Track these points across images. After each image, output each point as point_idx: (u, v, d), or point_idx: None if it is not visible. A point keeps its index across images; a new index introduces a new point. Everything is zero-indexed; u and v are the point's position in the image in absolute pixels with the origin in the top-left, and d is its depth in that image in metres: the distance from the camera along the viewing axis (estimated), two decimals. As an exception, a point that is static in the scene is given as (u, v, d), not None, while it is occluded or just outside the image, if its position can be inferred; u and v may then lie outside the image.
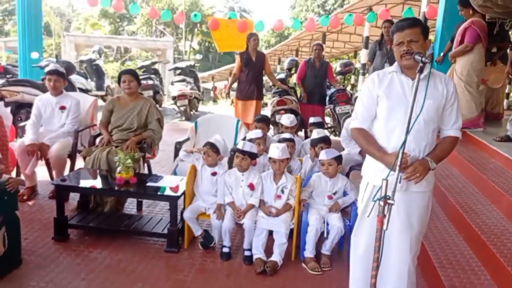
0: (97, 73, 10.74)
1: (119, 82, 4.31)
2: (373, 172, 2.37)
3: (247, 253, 3.34)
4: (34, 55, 7.28)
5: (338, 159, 3.44)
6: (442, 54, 6.16)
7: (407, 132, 2.02)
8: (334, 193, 3.44)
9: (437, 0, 7.65)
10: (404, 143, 2.01)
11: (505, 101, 8.31)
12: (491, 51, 5.78)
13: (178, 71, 11.06)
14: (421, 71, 2.09)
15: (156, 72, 11.18)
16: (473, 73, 5.22)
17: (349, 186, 3.48)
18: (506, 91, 8.09)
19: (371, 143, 2.34)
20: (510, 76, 5.87)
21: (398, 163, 2.02)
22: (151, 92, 9.61)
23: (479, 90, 5.41)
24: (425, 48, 2.26)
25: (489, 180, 3.84)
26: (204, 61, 42.35)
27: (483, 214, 3.48)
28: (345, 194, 3.50)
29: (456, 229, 3.56)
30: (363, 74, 10.88)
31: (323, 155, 3.43)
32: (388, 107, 2.29)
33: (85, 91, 9.05)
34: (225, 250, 3.38)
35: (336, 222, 3.30)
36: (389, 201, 1.96)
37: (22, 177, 4.14)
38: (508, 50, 5.98)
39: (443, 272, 2.89)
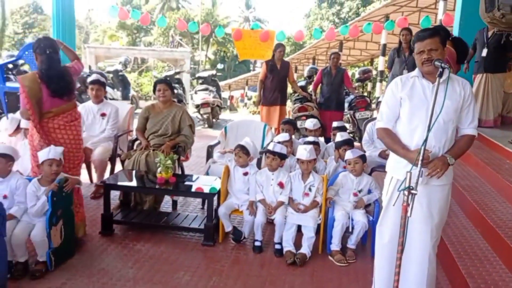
0: (123, 83, 11.19)
1: (154, 91, 4.65)
2: (397, 168, 2.62)
3: (277, 246, 3.62)
4: (69, 66, 7.67)
5: (363, 157, 3.71)
6: (466, 62, 6.39)
7: (429, 129, 2.28)
8: (360, 191, 3.70)
9: (453, 7, 7.89)
10: (425, 140, 2.27)
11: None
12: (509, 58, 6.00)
13: (200, 80, 11.45)
14: (440, 75, 2.36)
15: (179, 82, 11.57)
16: None
17: (374, 184, 3.74)
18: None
19: (395, 141, 2.60)
20: None
21: (420, 158, 2.29)
22: (175, 101, 9.96)
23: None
24: (444, 55, 2.52)
25: (505, 179, 4.06)
26: (220, 71, 42.95)
27: (499, 210, 3.69)
28: (369, 192, 3.76)
29: (473, 224, 3.79)
30: (380, 81, 11.12)
31: (349, 154, 3.71)
32: (411, 108, 2.55)
33: (112, 100, 9.46)
34: (257, 243, 3.67)
35: (360, 217, 3.56)
36: (412, 191, 2.23)
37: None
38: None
39: (461, 262, 3.13)
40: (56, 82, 3.31)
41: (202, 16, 38.22)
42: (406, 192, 2.24)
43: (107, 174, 4.72)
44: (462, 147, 2.58)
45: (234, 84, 32.21)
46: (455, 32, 7.08)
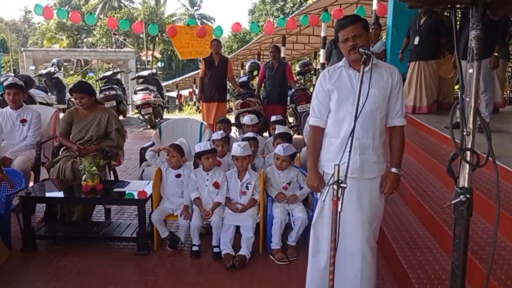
0: (58, 86, 10.55)
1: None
2: (325, 159, 2.52)
3: (216, 249, 3.44)
4: (-8, 72, 7.11)
5: (292, 156, 3.64)
6: (400, 51, 6.46)
7: (355, 119, 2.17)
8: (289, 184, 3.60)
9: (386, -1, 8.01)
10: (353, 130, 2.16)
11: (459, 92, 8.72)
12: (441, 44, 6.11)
13: (140, 80, 11.06)
14: (365, 62, 2.25)
15: (118, 82, 11.07)
16: None
17: (301, 177, 3.63)
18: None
19: (315, 149, 2.55)
20: (455, 67, 6.22)
21: (348, 149, 2.17)
22: (114, 102, 9.49)
23: None
24: (369, 41, 2.44)
25: (441, 164, 4.09)
26: (168, 70, 42.09)
27: (436, 196, 3.70)
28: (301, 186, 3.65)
29: (412, 211, 3.79)
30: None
31: (281, 150, 3.59)
32: (338, 99, 2.45)
33: (47, 105, 8.88)
34: (195, 248, 3.47)
35: (300, 213, 3.44)
36: (341, 185, 2.10)
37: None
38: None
39: (400, 251, 3.09)
40: None
41: (145, 15, 37.23)
42: (335, 186, 2.12)
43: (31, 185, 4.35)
44: (400, 149, 2.55)
45: (181, 83, 31.71)
46: (388, 21, 7.16)
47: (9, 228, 3.56)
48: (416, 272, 2.80)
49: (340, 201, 2.11)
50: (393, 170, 2.49)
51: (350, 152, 2.16)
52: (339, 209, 2.11)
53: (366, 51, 2.26)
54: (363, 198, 2.47)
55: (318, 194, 2.66)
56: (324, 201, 2.38)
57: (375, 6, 7.57)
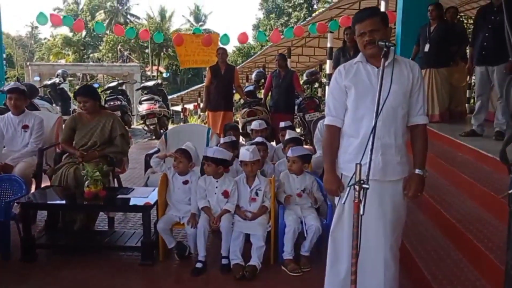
0: (62, 97, 10.42)
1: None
2: (346, 163, 2.36)
3: (224, 261, 3.23)
4: (-4, 85, 7.00)
5: (304, 158, 3.46)
6: (411, 59, 6.33)
7: (377, 115, 2.02)
8: (303, 190, 3.43)
9: (394, 8, 7.92)
10: (374, 127, 2.00)
11: (467, 105, 8.55)
12: (452, 51, 5.97)
13: (146, 90, 10.94)
14: (386, 56, 2.11)
15: (123, 93, 10.99)
16: None
17: (316, 186, 3.47)
18: (467, 95, 8.33)
19: (332, 150, 2.39)
20: (470, 74, 6.08)
21: (369, 148, 2.02)
22: (119, 113, 9.38)
23: None
24: (387, 36, 2.29)
25: (460, 172, 3.92)
26: (172, 84, 42.18)
27: (456, 204, 3.53)
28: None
29: (432, 221, 3.60)
30: (329, 84, 11.05)
31: (290, 152, 3.47)
32: (356, 96, 2.30)
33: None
34: (198, 265, 3.21)
35: (313, 221, 3.26)
36: (363, 186, 1.94)
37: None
38: (467, 48, 6.19)
39: (423, 263, 2.90)
40: None
41: (151, 31, 37.52)
42: (356, 187, 1.95)
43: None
44: (423, 149, 2.38)
45: (186, 96, 31.71)
46: (397, 30, 7.05)
47: (9, 237, 3.39)
48: (442, 284, 2.61)
49: (362, 203, 1.95)
50: (417, 171, 2.33)
51: (371, 152, 2.01)
52: (361, 212, 1.95)
53: (386, 43, 2.12)
54: (385, 202, 2.30)
55: (336, 199, 2.50)
56: (344, 203, 2.20)
57: (383, 15, 7.47)
